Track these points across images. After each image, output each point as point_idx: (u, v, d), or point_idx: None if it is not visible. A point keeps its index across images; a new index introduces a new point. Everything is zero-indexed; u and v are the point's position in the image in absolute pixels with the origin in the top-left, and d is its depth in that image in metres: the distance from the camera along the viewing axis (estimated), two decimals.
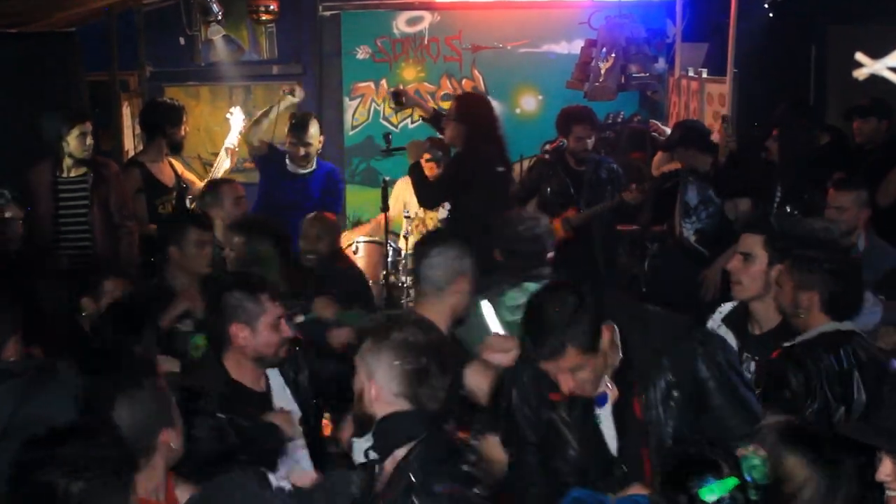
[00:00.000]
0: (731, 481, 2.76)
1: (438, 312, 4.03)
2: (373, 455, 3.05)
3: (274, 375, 4.11)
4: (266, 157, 7.72)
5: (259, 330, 3.94)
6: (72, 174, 6.88)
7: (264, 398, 4.04)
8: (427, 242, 4.26)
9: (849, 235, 5.92)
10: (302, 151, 7.52)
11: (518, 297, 4.55)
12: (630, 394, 3.49)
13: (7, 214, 6.18)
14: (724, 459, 2.82)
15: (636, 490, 3.26)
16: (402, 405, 3.02)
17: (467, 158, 7.01)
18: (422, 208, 7.98)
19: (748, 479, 2.80)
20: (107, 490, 2.60)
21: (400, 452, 2.99)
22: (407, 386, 3.02)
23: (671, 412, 3.45)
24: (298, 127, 7.54)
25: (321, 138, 7.74)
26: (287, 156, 7.60)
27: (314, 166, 7.65)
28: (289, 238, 5.87)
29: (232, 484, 2.74)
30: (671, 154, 7.70)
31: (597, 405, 3.55)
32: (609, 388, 3.51)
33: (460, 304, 4.11)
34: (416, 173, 7.16)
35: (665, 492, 2.85)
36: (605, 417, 3.55)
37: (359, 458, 3.11)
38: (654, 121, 7.79)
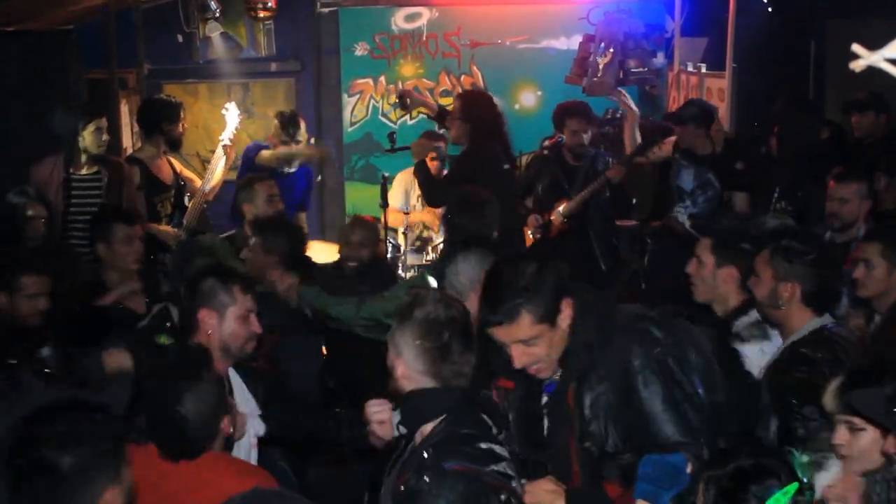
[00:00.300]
0: (793, 486, 2.67)
1: None
2: (402, 430, 3.23)
3: (234, 375, 4.06)
4: (250, 156, 7.75)
5: (227, 319, 3.94)
6: (84, 171, 6.86)
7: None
8: (453, 248, 4.53)
9: (851, 227, 5.97)
10: (294, 149, 7.59)
11: None
12: (565, 382, 3.40)
13: (29, 213, 6.18)
14: (779, 465, 2.75)
15: (545, 485, 3.25)
16: (427, 382, 3.09)
17: (472, 157, 7.01)
18: (417, 202, 8.01)
19: (803, 480, 2.74)
20: (99, 464, 2.65)
21: (427, 428, 3.09)
22: (430, 363, 3.07)
23: (600, 409, 3.34)
24: (292, 124, 7.59)
25: (305, 136, 7.87)
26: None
27: (297, 164, 7.74)
28: (305, 240, 5.91)
29: None
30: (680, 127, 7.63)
31: (544, 391, 3.48)
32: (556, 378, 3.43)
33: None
34: (422, 172, 7.16)
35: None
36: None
37: (396, 431, 3.40)
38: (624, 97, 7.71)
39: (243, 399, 4.03)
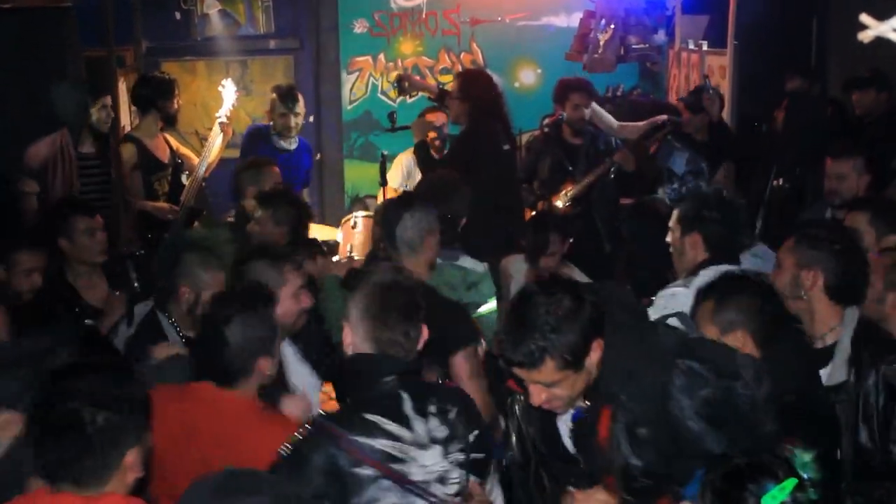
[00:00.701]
0: (791, 482, 2.59)
1: (416, 266, 4.40)
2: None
3: (286, 346, 4.18)
4: (252, 136, 7.70)
5: (281, 299, 3.97)
6: (87, 149, 6.79)
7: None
8: (395, 206, 4.59)
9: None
10: (293, 122, 7.54)
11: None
12: (595, 413, 3.06)
13: (24, 189, 6.15)
14: (776, 463, 2.67)
15: (598, 494, 3.03)
16: (367, 349, 3.07)
17: (472, 137, 6.96)
18: None
19: (805, 477, 2.64)
20: (126, 425, 2.71)
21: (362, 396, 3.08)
22: (370, 330, 3.06)
23: (636, 446, 2.99)
24: (289, 97, 7.53)
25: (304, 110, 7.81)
26: (274, 132, 7.59)
27: (297, 140, 7.69)
28: (311, 215, 5.87)
29: None
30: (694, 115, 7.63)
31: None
32: (583, 405, 3.12)
33: (433, 258, 4.58)
34: (422, 152, 7.13)
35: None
36: (564, 422, 3.21)
37: None
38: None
39: (299, 372, 4.20)
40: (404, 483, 2.95)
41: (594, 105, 7.63)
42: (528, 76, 9.92)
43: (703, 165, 7.22)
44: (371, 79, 9.99)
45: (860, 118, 7.70)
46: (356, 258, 7.58)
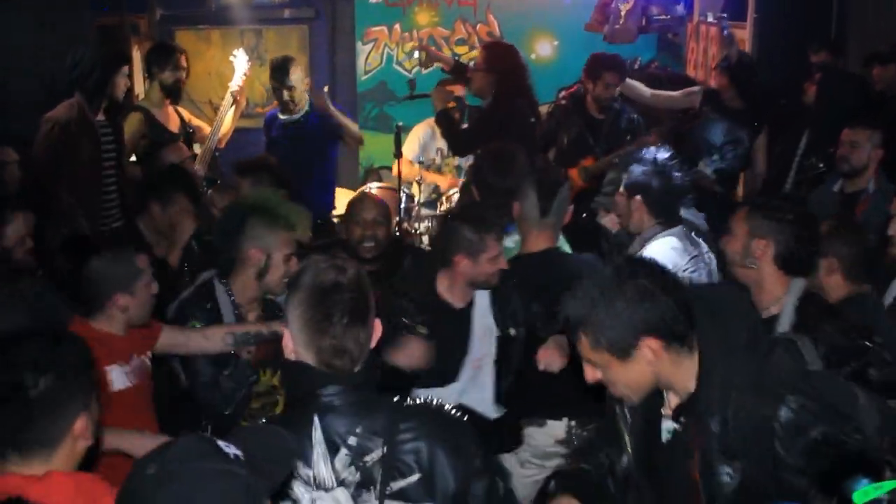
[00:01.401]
0: (890, 484, 2.46)
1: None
2: None
3: (482, 296, 4.53)
4: (266, 120, 7.61)
5: (480, 262, 4.40)
6: (99, 117, 6.72)
7: (464, 313, 4.53)
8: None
9: (861, 176, 5.95)
10: (286, 95, 7.33)
11: None
12: (687, 427, 2.77)
13: (4, 159, 6.11)
14: (886, 460, 2.53)
15: None
16: (307, 357, 2.63)
17: (499, 109, 6.87)
18: (436, 155, 7.91)
19: None
20: (72, 391, 2.62)
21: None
22: (309, 335, 2.62)
23: (730, 475, 2.71)
24: (278, 70, 7.34)
25: (307, 81, 7.61)
26: (278, 107, 7.49)
27: (306, 108, 7.45)
28: (290, 182, 5.80)
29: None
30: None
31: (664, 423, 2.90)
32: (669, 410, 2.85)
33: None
34: (445, 121, 7.05)
35: (818, 491, 2.55)
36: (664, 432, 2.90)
37: None
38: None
39: (485, 317, 4.52)
40: None
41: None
42: (544, 48, 9.82)
43: (741, 134, 7.12)
44: (386, 49, 9.91)
45: (881, 93, 7.60)
46: None
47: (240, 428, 3.68)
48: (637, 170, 4.81)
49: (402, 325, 4.30)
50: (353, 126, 7.66)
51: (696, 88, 7.82)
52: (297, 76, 7.38)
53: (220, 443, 2.07)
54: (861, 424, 2.69)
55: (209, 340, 4.28)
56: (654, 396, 2.83)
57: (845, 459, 2.54)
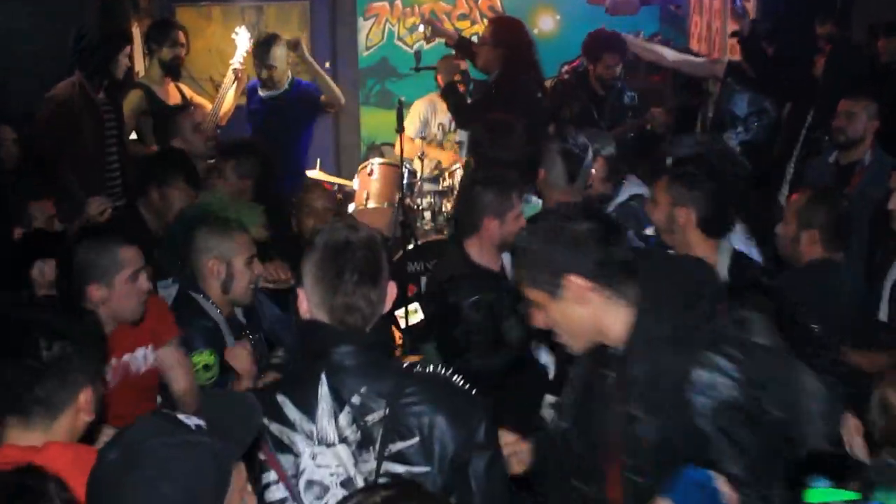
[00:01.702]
0: (849, 495, 2.40)
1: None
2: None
3: (507, 259, 4.61)
4: (248, 95, 7.61)
5: (507, 221, 4.59)
6: (101, 95, 6.68)
7: (500, 276, 4.69)
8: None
9: (856, 147, 5.95)
10: (265, 74, 7.37)
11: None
12: (617, 390, 2.77)
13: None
14: (857, 471, 2.50)
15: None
16: (321, 316, 2.66)
17: (505, 85, 6.82)
18: (438, 131, 7.88)
19: (875, 499, 2.42)
20: (83, 360, 2.65)
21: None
22: (322, 294, 2.64)
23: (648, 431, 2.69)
24: (260, 48, 7.37)
25: (290, 59, 7.60)
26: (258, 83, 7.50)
27: (285, 86, 7.45)
28: (271, 162, 5.78)
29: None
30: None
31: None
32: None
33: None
34: (452, 94, 7.02)
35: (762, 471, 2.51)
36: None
37: None
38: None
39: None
40: (283, 479, 2.60)
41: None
42: (546, 22, 9.76)
43: (766, 104, 7.04)
44: (388, 25, 9.86)
45: (886, 65, 7.54)
46: (372, 206, 7.53)
47: (202, 396, 3.78)
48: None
49: None
50: (335, 89, 7.68)
51: (723, 58, 7.74)
52: (280, 54, 7.39)
53: (181, 416, 2.09)
54: (790, 403, 2.68)
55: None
56: (600, 350, 2.83)
57: (810, 456, 2.53)
